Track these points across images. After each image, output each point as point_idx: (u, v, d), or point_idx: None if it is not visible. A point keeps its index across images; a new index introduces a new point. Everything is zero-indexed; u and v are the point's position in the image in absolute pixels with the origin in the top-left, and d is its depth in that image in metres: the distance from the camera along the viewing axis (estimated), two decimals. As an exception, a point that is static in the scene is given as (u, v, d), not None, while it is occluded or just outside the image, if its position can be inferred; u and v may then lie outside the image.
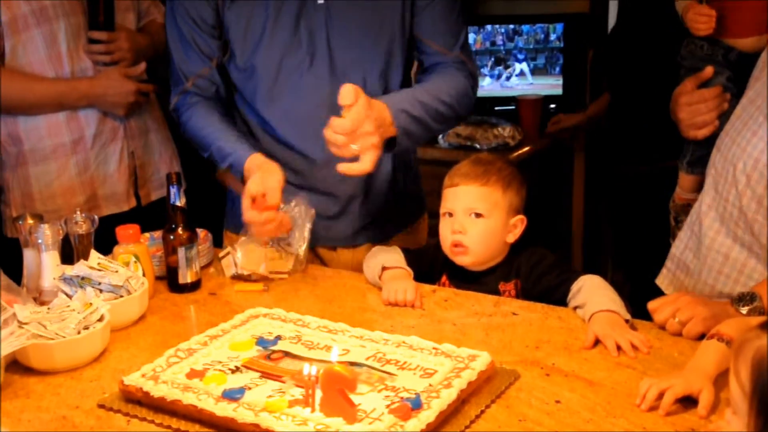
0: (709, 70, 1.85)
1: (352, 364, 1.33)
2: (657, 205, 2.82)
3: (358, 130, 1.56)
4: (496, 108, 3.63)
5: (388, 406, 1.20)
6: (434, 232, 1.82)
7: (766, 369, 0.89)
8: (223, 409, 1.20)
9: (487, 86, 3.69)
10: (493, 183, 1.70)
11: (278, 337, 1.46)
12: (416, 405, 1.19)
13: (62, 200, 2.21)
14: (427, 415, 1.16)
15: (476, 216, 1.69)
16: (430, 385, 1.26)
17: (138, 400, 1.29)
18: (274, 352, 1.40)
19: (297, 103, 1.83)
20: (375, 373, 1.32)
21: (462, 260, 1.72)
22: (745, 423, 0.91)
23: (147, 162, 2.38)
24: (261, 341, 1.44)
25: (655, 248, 2.90)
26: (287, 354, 1.40)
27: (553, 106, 3.63)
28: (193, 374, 1.32)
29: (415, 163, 2.07)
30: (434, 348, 1.38)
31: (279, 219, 1.74)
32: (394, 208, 1.97)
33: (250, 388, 1.27)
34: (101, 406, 1.30)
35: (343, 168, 1.63)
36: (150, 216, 2.17)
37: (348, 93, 1.55)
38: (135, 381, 1.30)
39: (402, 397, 1.22)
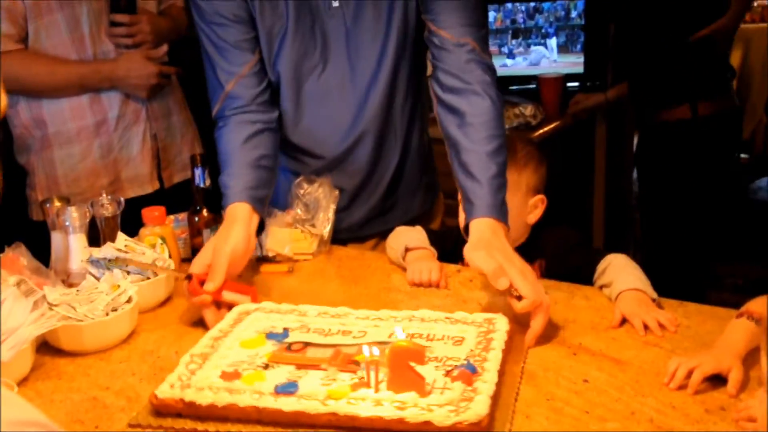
0: None
1: (382, 343, 1.32)
2: (690, 173, 2.85)
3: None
4: (517, 87, 3.61)
5: (445, 375, 1.22)
6: (453, 212, 1.81)
7: None
8: (290, 404, 1.16)
9: (510, 65, 3.67)
10: (508, 166, 1.68)
11: (286, 330, 1.41)
12: (472, 370, 1.21)
13: (86, 183, 2.23)
14: (491, 377, 1.20)
15: None
16: (471, 350, 1.29)
17: (177, 413, 1.20)
18: (293, 343, 1.36)
19: (310, 105, 1.82)
20: None
21: None
22: None
23: (170, 144, 2.38)
24: (271, 335, 1.40)
25: (683, 224, 2.92)
26: (307, 344, 1.36)
27: (574, 84, 3.60)
28: (228, 376, 1.26)
29: (428, 154, 2.01)
30: (447, 317, 1.41)
31: (212, 306, 1.52)
32: (403, 200, 1.95)
33: (297, 381, 1.23)
34: (133, 426, 1.21)
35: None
36: (173, 198, 2.18)
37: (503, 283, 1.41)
38: (170, 393, 1.21)
39: (454, 365, 1.24)
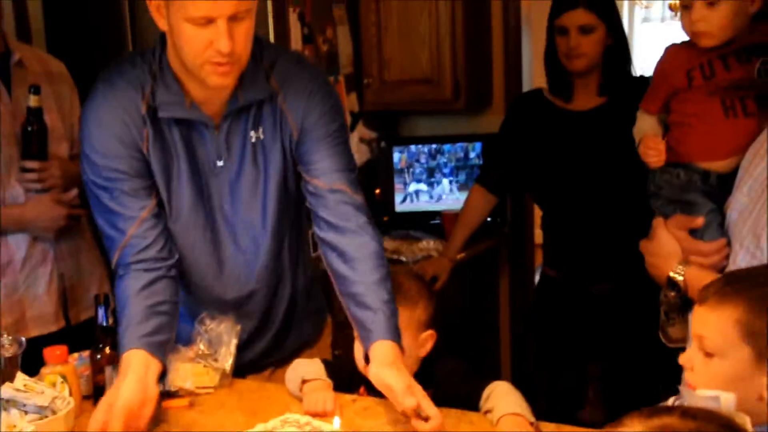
0: (700, 221, 1.73)
1: None
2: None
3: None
4: (422, 223, 3.78)
5: None
6: (349, 341, 1.88)
7: None
8: None
9: (415, 202, 3.87)
10: (401, 306, 1.76)
11: None
12: None
13: (-11, 322, 2.23)
14: None
15: None
16: None
17: None
18: None
19: (201, 260, 1.89)
20: None
21: None
22: None
23: (77, 284, 2.41)
24: None
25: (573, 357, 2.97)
26: None
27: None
28: None
29: (312, 284, 2.10)
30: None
31: None
32: (296, 329, 2.05)
33: None
34: None
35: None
36: (81, 335, 2.17)
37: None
38: None
39: None
